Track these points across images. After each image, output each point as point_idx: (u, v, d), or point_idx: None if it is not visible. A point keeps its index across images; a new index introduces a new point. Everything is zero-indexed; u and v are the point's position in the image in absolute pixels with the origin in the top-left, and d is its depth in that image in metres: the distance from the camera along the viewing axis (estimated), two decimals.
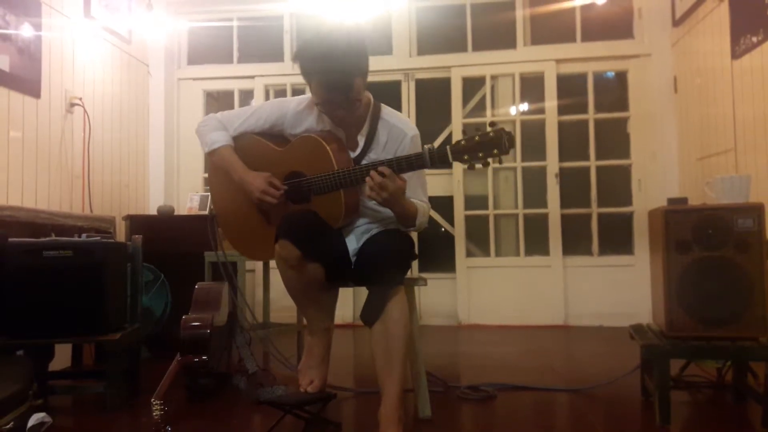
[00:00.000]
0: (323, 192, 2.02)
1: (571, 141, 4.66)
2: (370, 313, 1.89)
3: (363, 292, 1.95)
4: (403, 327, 1.88)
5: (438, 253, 4.75)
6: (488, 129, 1.81)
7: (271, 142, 2.18)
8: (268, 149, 2.17)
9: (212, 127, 2.21)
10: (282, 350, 2.79)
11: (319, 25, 1.84)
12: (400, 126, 2.09)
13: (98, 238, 2.51)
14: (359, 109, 2.04)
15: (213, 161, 2.26)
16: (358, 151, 2.08)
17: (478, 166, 1.83)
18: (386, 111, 2.12)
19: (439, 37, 4.84)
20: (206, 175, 3.96)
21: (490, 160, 1.80)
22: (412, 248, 2.07)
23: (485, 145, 1.80)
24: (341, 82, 1.92)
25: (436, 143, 4.70)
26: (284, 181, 2.11)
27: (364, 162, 2.05)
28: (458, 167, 4.63)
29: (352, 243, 2.09)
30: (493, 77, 4.76)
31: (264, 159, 2.16)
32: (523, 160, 4.66)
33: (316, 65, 1.94)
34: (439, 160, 1.85)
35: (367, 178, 1.86)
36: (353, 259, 2.06)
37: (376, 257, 1.92)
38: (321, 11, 4.63)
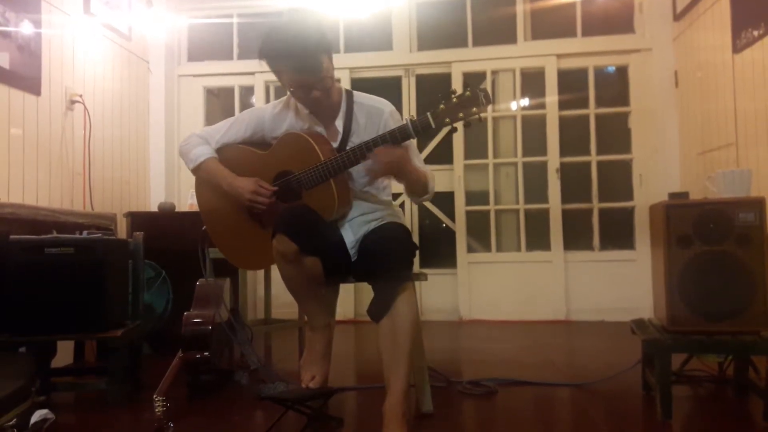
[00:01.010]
0: (313, 185, 2.02)
1: (572, 136, 4.65)
2: (378, 309, 1.89)
3: (364, 287, 1.95)
4: (410, 323, 1.88)
5: (439, 249, 4.75)
6: (465, 90, 1.85)
7: (254, 148, 2.18)
8: (252, 155, 2.17)
9: (194, 143, 2.22)
10: (283, 346, 2.79)
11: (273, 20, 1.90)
12: (375, 105, 2.11)
13: (99, 235, 2.51)
14: (333, 91, 2.06)
15: (200, 176, 2.25)
16: (340, 138, 2.09)
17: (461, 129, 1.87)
18: (359, 95, 2.14)
19: (440, 33, 4.83)
20: None
21: (470, 119, 1.85)
22: (413, 241, 2.07)
23: (464, 105, 1.84)
24: (310, 62, 1.94)
25: (437, 139, 4.70)
26: (273, 182, 2.11)
27: (348, 148, 2.05)
28: (459, 164, 4.63)
29: (349, 235, 2.08)
30: (494, 72, 4.75)
31: (250, 165, 2.15)
32: (524, 155, 4.65)
33: (282, 53, 1.95)
34: (422, 127, 1.88)
35: (375, 150, 1.87)
36: (351, 251, 2.06)
37: (384, 254, 1.92)
38: (321, 7, 4.61)
